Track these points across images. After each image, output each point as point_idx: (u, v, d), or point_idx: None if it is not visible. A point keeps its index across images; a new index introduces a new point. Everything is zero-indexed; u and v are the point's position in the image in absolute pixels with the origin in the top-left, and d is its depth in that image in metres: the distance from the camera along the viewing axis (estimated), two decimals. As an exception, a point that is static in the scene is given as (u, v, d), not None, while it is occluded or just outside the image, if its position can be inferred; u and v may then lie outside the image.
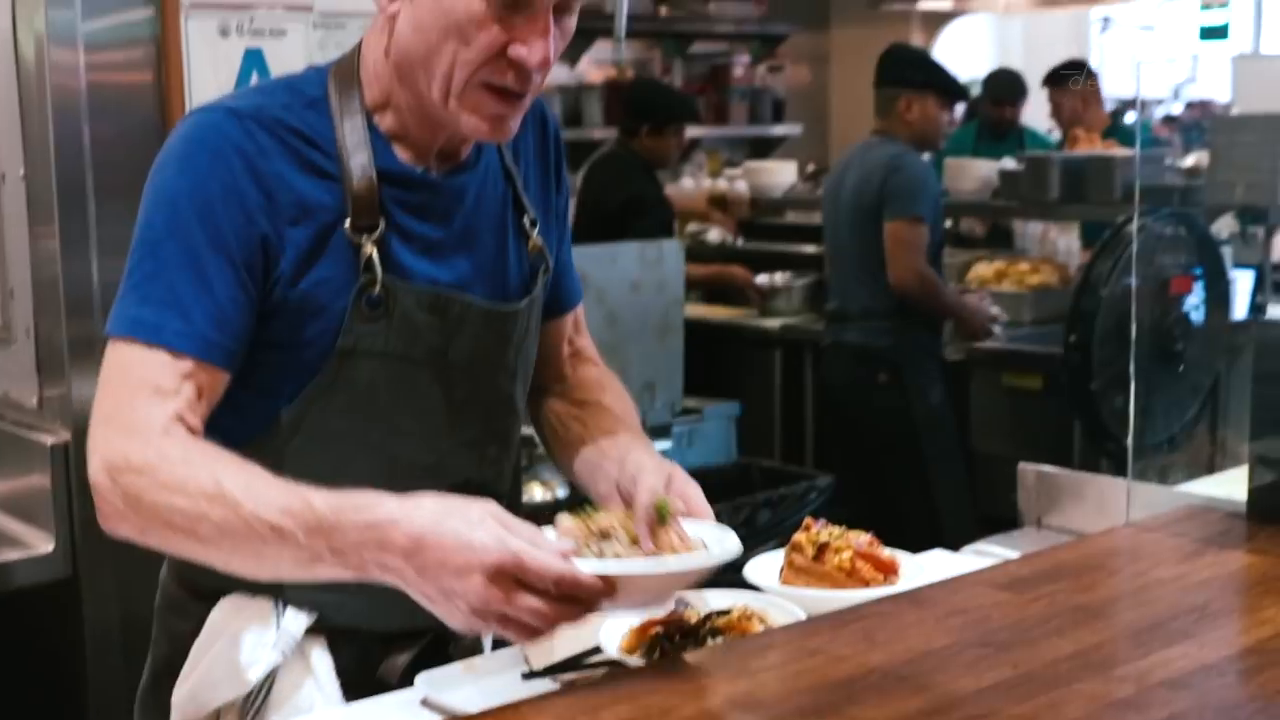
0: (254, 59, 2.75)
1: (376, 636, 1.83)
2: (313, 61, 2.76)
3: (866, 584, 1.97)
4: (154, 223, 1.68)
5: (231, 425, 1.69)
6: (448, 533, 1.46)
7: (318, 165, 1.72)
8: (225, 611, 1.79)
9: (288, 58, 2.78)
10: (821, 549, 2.01)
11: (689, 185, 7.48)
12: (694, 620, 1.80)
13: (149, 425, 1.60)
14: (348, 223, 1.71)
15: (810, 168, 7.75)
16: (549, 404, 2.04)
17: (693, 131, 7.67)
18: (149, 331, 1.64)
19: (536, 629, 1.48)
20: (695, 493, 1.77)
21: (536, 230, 1.90)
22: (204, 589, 1.81)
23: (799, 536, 2.04)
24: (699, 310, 6.00)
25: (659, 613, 1.76)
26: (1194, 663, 1.58)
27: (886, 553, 2.05)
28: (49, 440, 2.69)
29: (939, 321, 5.13)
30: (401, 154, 1.78)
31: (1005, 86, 7.36)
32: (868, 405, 5.03)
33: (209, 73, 2.71)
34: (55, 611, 2.74)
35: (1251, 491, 2.15)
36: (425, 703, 1.70)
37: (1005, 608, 1.78)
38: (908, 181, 4.90)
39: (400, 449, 1.78)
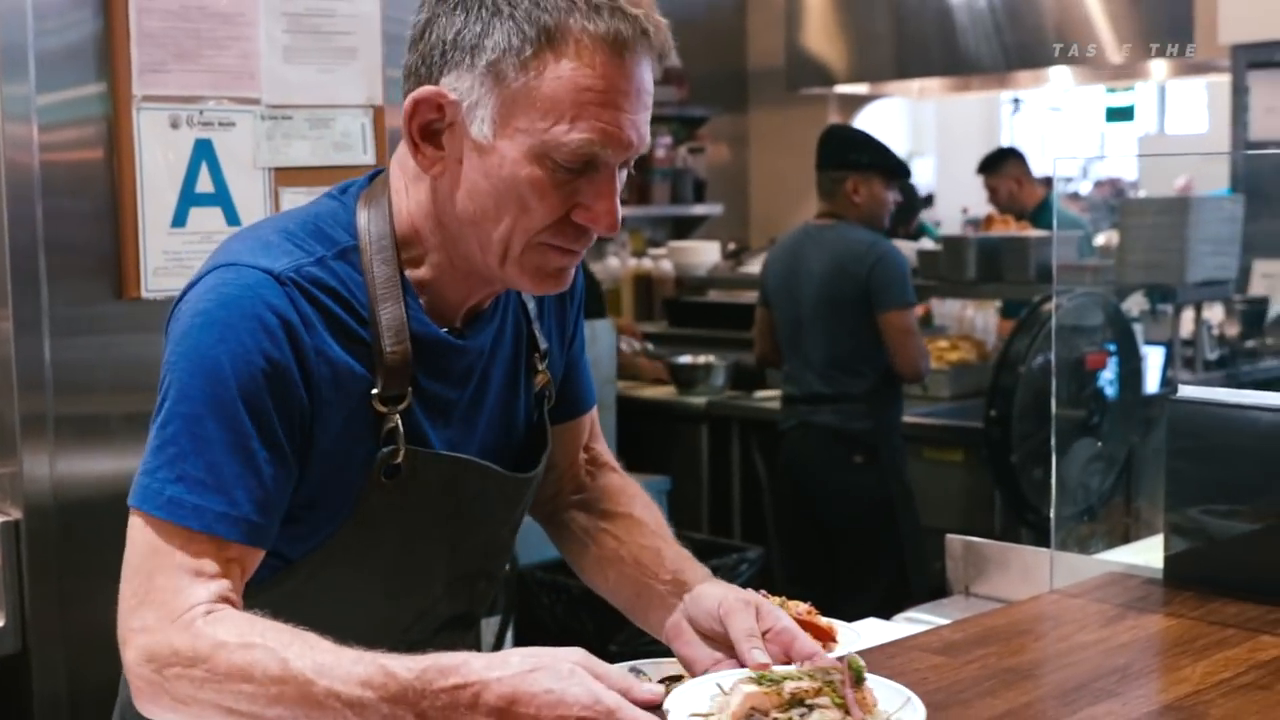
0: (204, 149, 2.81)
1: None
2: (259, 152, 2.87)
3: (806, 651, 2.05)
4: (192, 394, 1.54)
5: None
6: (539, 690, 1.38)
7: (353, 332, 1.61)
8: None
9: (236, 148, 2.85)
10: (763, 618, 2.10)
11: (614, 264, 7.59)
12: None
13: (193, 609, 1.49)
14: (376, 393, 1.62)
15: (731, 246, 7.91)
16: (571, 515, 1.97)
17: (616, 211, 7.80)
18: (189, 516, 1.52)
19: None
20: (790, 624, 1.69)
21: (545, 363, 1.83)
22: None
23: (741, 606, 2.13)
24: (624, 386, 6.09)
25: None
26: (1119, 719, 1.68)
27: (824, 621, 2.14)
28: (0, 518, 2.72)
29: (903, 401, 5.13)
30: (429, 308, 1.67)
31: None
32: (841, 485, 4.94)
33: (160, 162, 2.77)
34: (4, 686, 2.76)
35: (1167, 559, 2.26)
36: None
37: (940, 670, 1.87)
38: (897, 269, 4.88)
39: (399, 597, 1.75)
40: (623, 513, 1.94)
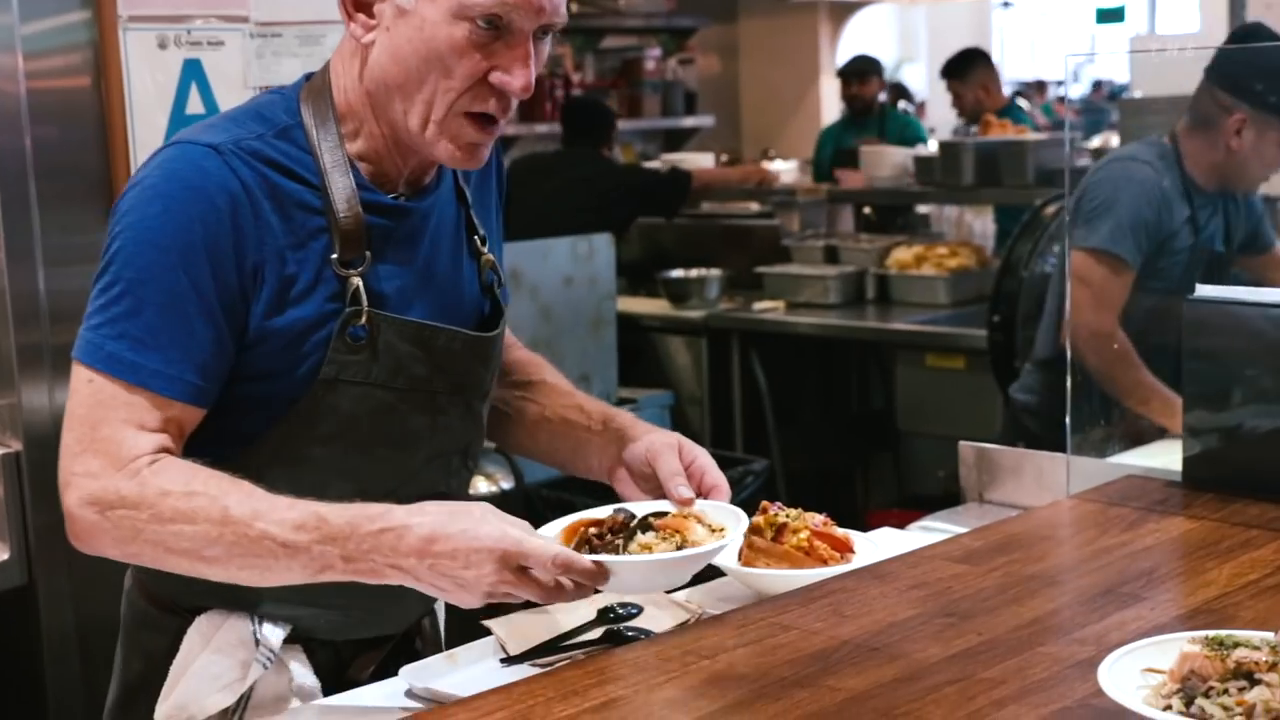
0: (193, 69, 2.77)
1: (348, 644, 1.89)
2: (249, 71, 2.82)
3: (825, 562, 2.03)
4: (135, 260, 1.65)
5: (205, 447, 1.70)
6: (455, 530, 1.58)
7: (299, 199, 1.72)
8: (203, 629, 1.81)
9: (226, 68, 2.80)
10: (780, 530, 2.08)
11: (606, 179, 7.53)
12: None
13: (136, 458, 1.62)
14: (335, 257, 1.72)
15: (724, 158, 7.84)
16: None
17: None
18: (128, 371, 1.64)
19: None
20: (708, 461, 1.90)
21: (487, 246, 1.93)
22: (176, 605, 1.83)
23: (758, 519, 2.10)
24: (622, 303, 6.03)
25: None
26: (1148, 624, 1.65)
27: (840, 532, 2.12)
28: (0, 450, 2.70)
29: None
30: (371, 179, 1.78)
31: (849, 65, 7.54)
32: None
33: (149, 84, 2.72)
34: (12, 619, 2.75)
35: (1186, 461, 2.24)
36: (410, 693, 1.75)
37: (964, 579, 1.85)
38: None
39: (375, 472, 1.79)
40: (536, 379, 2.08)
